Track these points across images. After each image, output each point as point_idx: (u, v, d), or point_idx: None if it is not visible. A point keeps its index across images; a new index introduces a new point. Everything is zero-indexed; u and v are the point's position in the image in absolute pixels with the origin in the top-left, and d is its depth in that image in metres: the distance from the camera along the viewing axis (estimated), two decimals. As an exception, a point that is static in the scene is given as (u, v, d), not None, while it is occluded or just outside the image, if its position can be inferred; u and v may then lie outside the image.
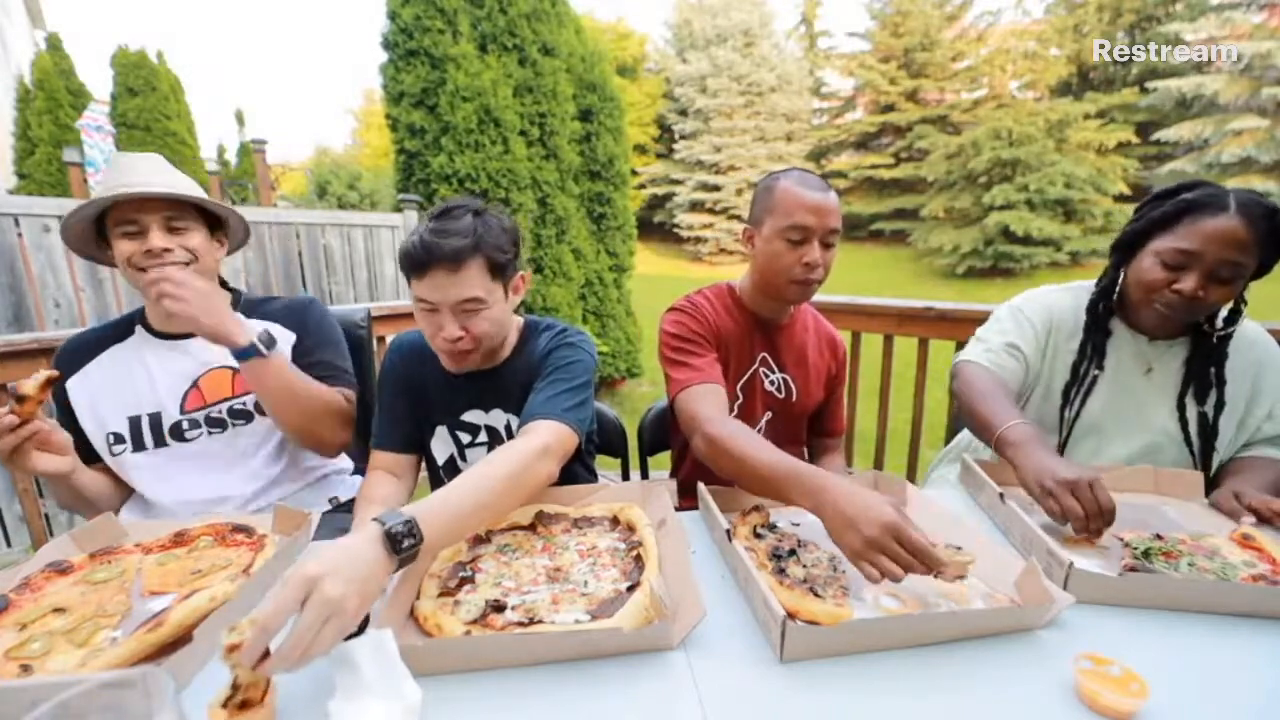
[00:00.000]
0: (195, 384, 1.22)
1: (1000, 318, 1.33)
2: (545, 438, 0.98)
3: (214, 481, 1.21)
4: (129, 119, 7.93)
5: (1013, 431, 1.04)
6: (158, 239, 1.12)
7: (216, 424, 1.22)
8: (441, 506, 0.78)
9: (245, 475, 1.23)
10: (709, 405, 1.13)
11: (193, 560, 0.90)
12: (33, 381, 0.96)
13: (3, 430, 0.95)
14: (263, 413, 1.23)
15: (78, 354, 1.22)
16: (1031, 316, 1.28)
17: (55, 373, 0.98)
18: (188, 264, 1.15)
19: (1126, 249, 1.19)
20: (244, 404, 1.23)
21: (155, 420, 1.19)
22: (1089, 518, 0.89)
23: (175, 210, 1.14)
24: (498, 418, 1.22)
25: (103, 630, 0.74)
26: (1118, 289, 1.22)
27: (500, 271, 1.08)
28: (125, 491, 1.24)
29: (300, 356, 1.26)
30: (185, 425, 1.20)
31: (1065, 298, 1.30)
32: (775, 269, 1.24)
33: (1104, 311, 1.23)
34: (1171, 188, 1.14)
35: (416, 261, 1.02)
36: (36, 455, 1.00)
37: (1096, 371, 1.22)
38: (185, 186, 1.16)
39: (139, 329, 1.24)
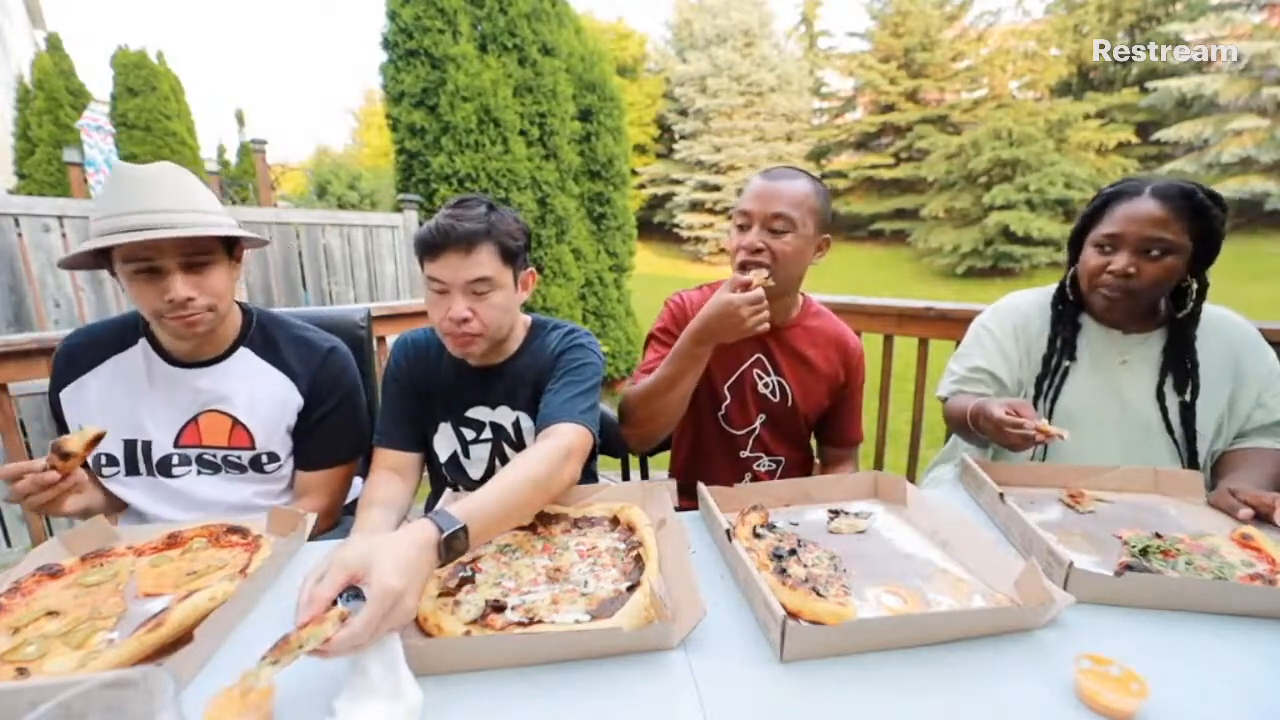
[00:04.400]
0: (194, 420, 1.15)
1: (966, 341, 1.39)
2: (569, 441, 1.00)
3: (205, 509, 1.15)
4: (129, 119, 7.93)
5: (977, 403, 1.16)
6: (180, 288, 1.00)
7: (208, 465, 1.16)
8: (482, 511, 0.81)
9: (237, 506, 1.18)
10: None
11: (187, 562, 0.89)
12: (80, 440, 0.93)
13: (45, 487, 0.92)
14: (259, 469, 1.18)
15: (76, 360, 1.14)
16: (995, 329, 1.34)
17: (103, 430, 0.94)
18: (210, 309, 1.06)
19: (1074, 247, 1.27)
20: (239, 458, 1.16)
21: (147, 448, 1.13)
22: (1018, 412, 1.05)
23: (194, 244, 1.02)
24: (504, 415, 1.22)
25: (99, 632, 0.73)
26: (1074, 284, 1.28)
27: (511, 258, 1.11)
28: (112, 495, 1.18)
29: (303, 422, 1.20)
30: (175, 460, 1.14)
31: (1033, 297, 1.36)
32: (730, 258, 1.30)
33: (1067, 305, 1.28)
34: (1104, 188, 1.24)
35: (431, 244, 1.06)
36: (67, 501, 0.97)
37: (1068, 363, 1.26)
38: (203, 207, 1.04)
39: (143, 342, 1.15)
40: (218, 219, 1.06)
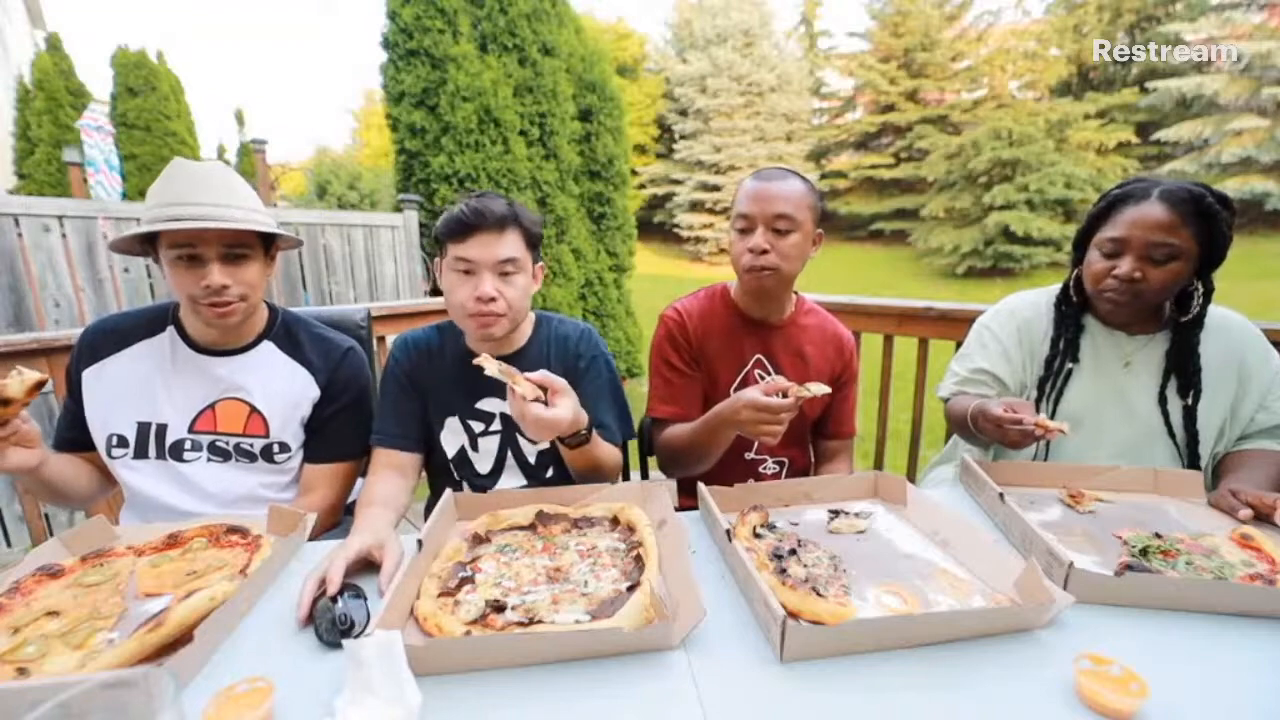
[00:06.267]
0: (211, 406, 1.17)
1: (968, 342, 1.39)
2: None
3: (210, 496, 1.17)
4: (129, 119, 7.92)
5: (977, 404, 1.15)
6: (217, 275, 1.06)
7: (219, 453, 1.17)
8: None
9: (243, 496, 1.19)
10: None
11: (187, 562, 0.89)
12: (19, 384, 0.90)
13: None
14: (269, 459, 1.19)
15: (104, 341, 1.17)
16: (998, 331, 1.33)
17: (44, 376, 0.93)
18: (242, 299, 1.10)
19: (1080, 249, 1.26)
20: (251, 445, 1.18)
21: (160, 431, 1.15)
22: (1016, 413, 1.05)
23: (235, 237, 1.09)
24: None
25: (99, 632, 0.73)
26: (1079, 286, 1.27)
27: (533, 244, 1.19)
28: (97, 481, 1.20)
29: (316, 415, 1.23)
30: (187, 445, 1.16)
31: (1035, 297, 1.35)
32: (733, 260, 1.30)
33: (1070, 308, 1.28)
34: (1110, 188, 1.22)
35: (465, 225, 1.10)
36: (8, 452, 0.96)
37: (1071, 365, 1.25)
38: (246, 205, 1.10)
39: (171, 330, 1.19)
40: (260, 217, 1.12)
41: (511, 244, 1.12)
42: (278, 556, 0.89)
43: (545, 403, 0.99)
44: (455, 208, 1.12)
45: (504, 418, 1.23)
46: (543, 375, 1.00)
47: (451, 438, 1.25)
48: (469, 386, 1.22)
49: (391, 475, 1.17)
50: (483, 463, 1.25)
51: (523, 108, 4.89)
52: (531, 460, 1.25)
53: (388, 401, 1.23)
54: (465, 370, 1.20)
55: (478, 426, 1.24)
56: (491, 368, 0.97)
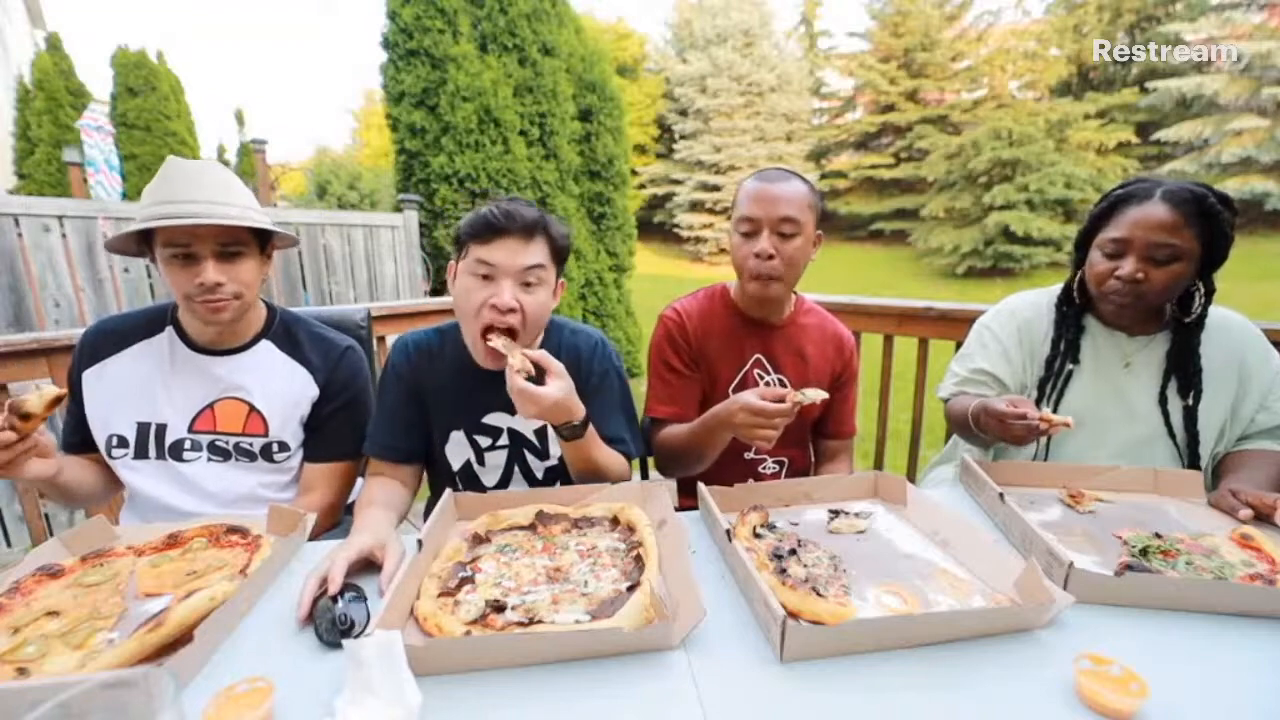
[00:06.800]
0: (210, 406, 1.17)
1: (968, 342, 1.39)
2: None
3: (210, 496, 1.17)
4: (129, 119, 7.92)
5: (979, 402, 1.15)
6: (211, 273, 1.06)
7: (219, 452, 1.18)
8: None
9: (243, 495, 1.19)
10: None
11: (187, 562, 0.89)
12: (39, 400, 0.90)
13: (2, 447, 0.90)
14: (268, 458, 1.20)
15: (104, 342, 1.17)
16: (998, 331, 1.33)
17: (63, 391, 0.93)
18: (236, 297, 1.11)
19: (1082, 249, 1.26)
20: (250, 445, 1.18)
21: (160, 431, 1.16)
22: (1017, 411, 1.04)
23: (229, 234, 1.09)
24: (524, 421, 1.19)
25: (99, 632, 0.73)
26: (1081, 286, 1.27)
27: (558, 258, 1.14)
28: (104, 481, 1.21)
29: (315, 414, 1.23)
30: (187, 445, 1.16)
31: (1036, 299, 1.35)
32: (736, 264, 1.30)
33: (1071, 309, 1.27)
34: (1112, 188, 1.22)
35: (494, 226, 1.05)
36: (29, 464, 0.96)
37: (1072, 366, 1.25)
38: (240, 203, 1.10)
39: (169, 330, 1.19)
40: (255, 215, 1.12)
41: (538, 252, 1.08)
42: (278, 556, 0.89)
43: (540, 382, 1.00)
44: (484, 208, 1.08)
45: (511, 433, 1.20)
46: (541, 355, 1.01)
47: (457, 450, 1.21)
48: (473, 395, 1.19)
49: (389, 482, 1.16)
50: (489, 477, 1.23)
51: (523, 108, 4.89)
52: (540, 476, 1.23)
53: (384, 410, 1.20)
54: (467, 378, 1.18)
55: (484, 441, 1.20)
56: (498, 341, 1.02)
